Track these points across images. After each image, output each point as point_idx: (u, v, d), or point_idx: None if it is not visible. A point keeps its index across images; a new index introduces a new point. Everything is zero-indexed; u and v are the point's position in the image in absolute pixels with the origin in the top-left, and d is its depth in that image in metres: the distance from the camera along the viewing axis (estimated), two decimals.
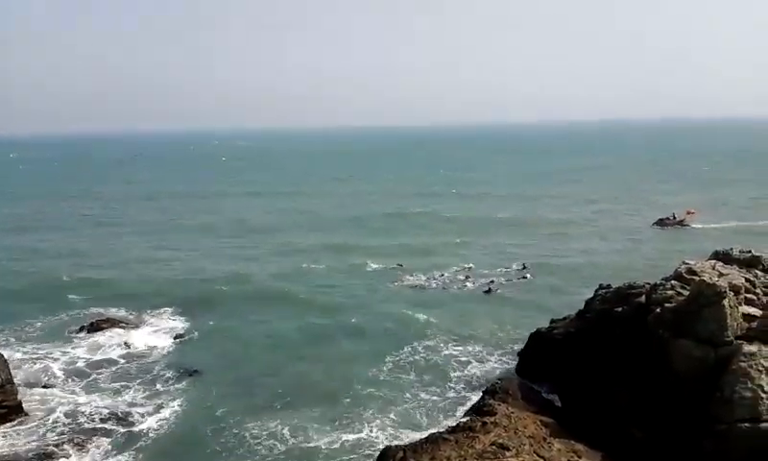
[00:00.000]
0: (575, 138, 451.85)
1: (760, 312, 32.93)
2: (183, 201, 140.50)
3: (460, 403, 38.59)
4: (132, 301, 60.16)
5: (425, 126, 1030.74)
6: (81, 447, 34.63)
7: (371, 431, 35.59)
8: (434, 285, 65.46)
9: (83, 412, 38.26)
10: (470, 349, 47.24)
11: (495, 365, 44.44)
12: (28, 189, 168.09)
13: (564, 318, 44.60)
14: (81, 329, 52.45)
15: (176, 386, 42.27)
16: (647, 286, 38.32)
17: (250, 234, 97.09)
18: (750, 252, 41.73)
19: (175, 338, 51.11)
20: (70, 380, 43.38)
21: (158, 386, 42.36)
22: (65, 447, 34.48)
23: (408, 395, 40.08)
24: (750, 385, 28.35)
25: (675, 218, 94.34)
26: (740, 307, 32.80)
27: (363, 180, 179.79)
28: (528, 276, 67.27)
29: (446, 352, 46.73)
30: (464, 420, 33.61)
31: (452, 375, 42.91)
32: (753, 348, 29.80)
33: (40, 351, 47.97)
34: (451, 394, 40.28)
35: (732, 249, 42.33)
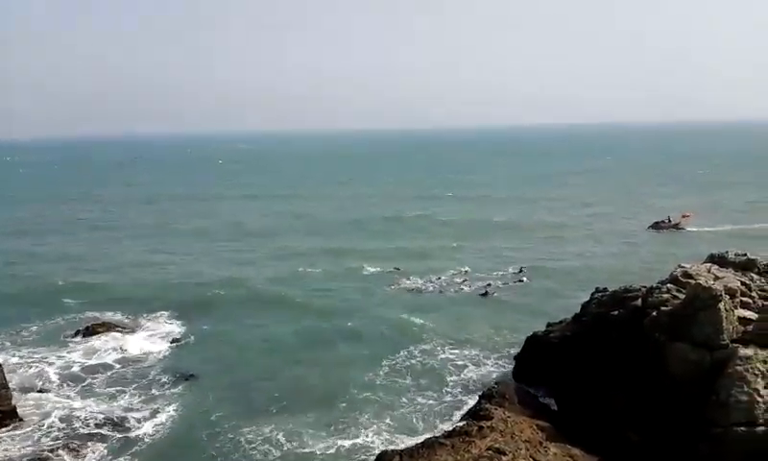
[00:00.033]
0: (575, 141, 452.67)
1: (756, 315, 32.85)
2: (181, 204, 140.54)
3: (456, 408, 38.46)
4: (127, 305, 60.03)
5: (426, 128, 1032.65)
6: (76, 452, 34.46)
7: (366, 436, 35.43)
8: (431, 289, 65.36)
9: (78, 417, 38.06)
10: (467, 352, 47.13)
11: (492, 369, 44.33)
12: (28, 193, 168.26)
13: (561, 321, 44.51)
14: (76, 334, 52.29)
15: (171, 391, 42.13)
16: (643, 290, 38.27)
17: (246, 238, 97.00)
18: (745, 255, 41.74)
19: (171, 342, 50.96)
20: (65, 385, 43.19)
21: (154, 391, 42.21)
22: (60, 452, 34.30)
23: (404, 399, 39.93)
24: (746, 389, 28.30)
25: (670, 221, 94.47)
26: (736, 311, 32.78)
27: (363, 183, 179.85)
28: (525, 279, 67.19)
29: (443, 356, 46.62)
30: (460, 424, 33.52)
31: (449, 379, 42.78)
32: (749, 351, 29.74)
33: (35, 356, 47.78)
34: (448, 398, 40.14)
35: (727, 252, 42.34)
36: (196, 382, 43.39)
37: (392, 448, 32.24)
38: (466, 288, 64.90)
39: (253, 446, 34.62)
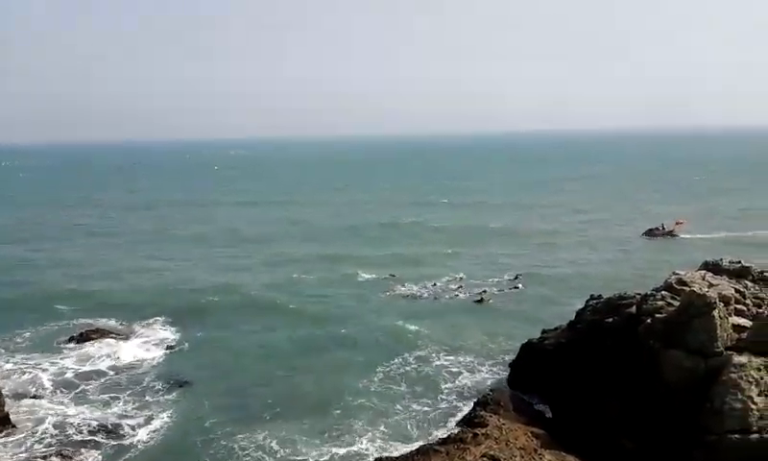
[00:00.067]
0: (571, 147, 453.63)
1: (750, 323, 32.95)
2: (179, 209, 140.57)
3: (451, 415, 38.40)
4: (122, 311, 59.89)
5: (424, 134, 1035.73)
6: (69, 459, 34.35)
7: (361, 443, 35.33)
8: (426, 295, 65.34)
9: (71, 424, 37.95)
10: (462, 359, 47.09)
11: (487, 376, 44.29)
12: (27, 197, 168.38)
13: (556, 329, 44.52)
14: (70, 340, 52.11)
15: (166, 397, 41.99)
16: (638, 297, 38.34)
17: (242, 244, 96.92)
18: (739, 262, 41.87)
19: (165, 349, 50.82)
20: (59, 391, 43.02)
21: (148, 397, 42.06)
22: (54, 459, 34.18)
23: (399, 406, 39.85)
24: (740, 396, 28.35)
25: (664, 228, 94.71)
26: (730, 318, 32.87)
27: (359, 189, 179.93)
28: (520, 286, 67.20)
29: (438, 363, 46.56)
30: (455, 431, 33.58)
31: (443, 386, 42.72)
32: (743, 358, 29.82)
33: (29, 362, 47.62)
34: (442, 405, 40.08)
35: (721, 259, 42.48)
36: (190, 389, 43.25)
37: (386, 455, 32.24)
38: (461, 295, 64.88)
39: (247, 453, 34.53)
